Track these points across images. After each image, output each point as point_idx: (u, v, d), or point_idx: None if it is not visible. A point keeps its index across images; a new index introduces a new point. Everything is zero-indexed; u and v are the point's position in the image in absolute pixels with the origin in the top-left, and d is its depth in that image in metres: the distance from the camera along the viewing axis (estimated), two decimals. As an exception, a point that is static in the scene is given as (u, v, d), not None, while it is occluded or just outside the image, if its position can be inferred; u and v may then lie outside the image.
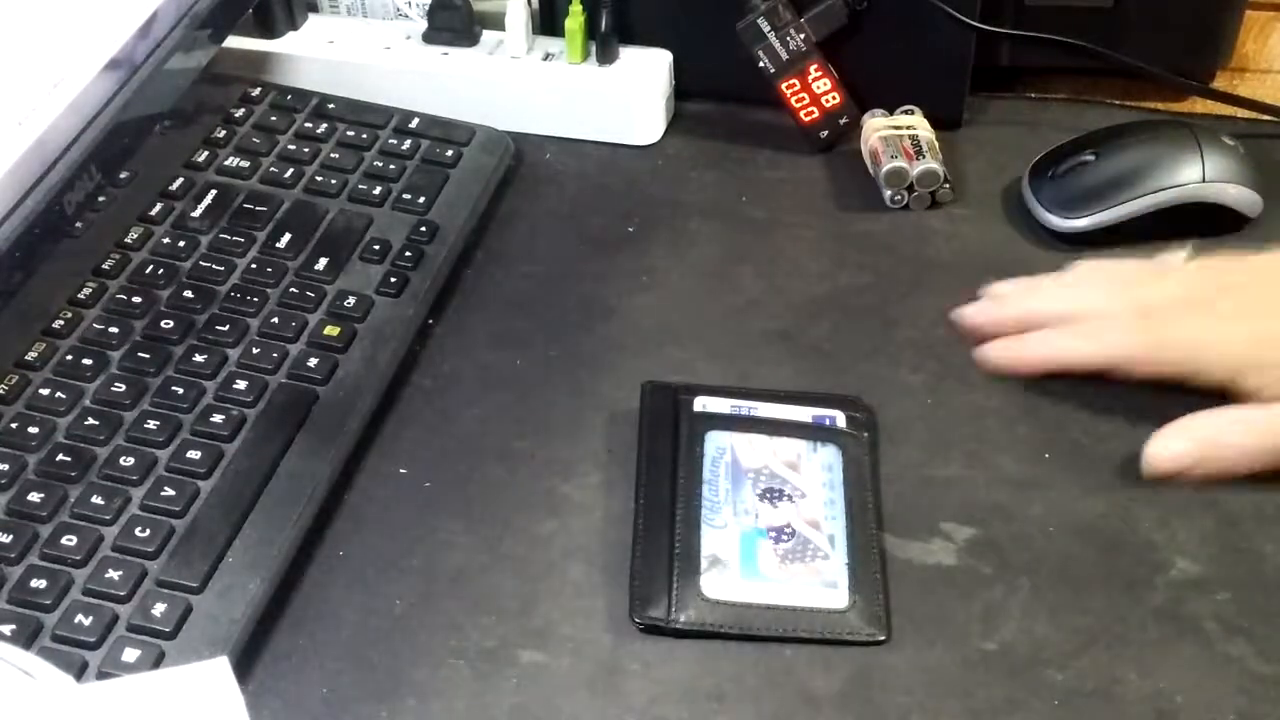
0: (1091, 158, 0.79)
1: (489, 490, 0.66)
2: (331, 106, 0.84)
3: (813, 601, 0.60)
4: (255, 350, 0.68)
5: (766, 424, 0.67)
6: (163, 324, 0.69)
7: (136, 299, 0.70)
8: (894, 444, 0.67)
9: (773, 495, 0.64)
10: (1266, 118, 0.86)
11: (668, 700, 0.57)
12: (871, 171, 0.82)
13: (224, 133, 0.81)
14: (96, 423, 0.64)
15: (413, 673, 0.58)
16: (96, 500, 0.61)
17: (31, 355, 0.67)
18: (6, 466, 0.62)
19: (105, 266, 0.72)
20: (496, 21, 0.86)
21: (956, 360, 0.72)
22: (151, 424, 0.64)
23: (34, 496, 0.61)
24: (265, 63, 0.87)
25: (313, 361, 0.68)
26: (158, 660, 0.56)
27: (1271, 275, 0.65)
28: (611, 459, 0.67)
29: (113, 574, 0.59)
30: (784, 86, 0.84)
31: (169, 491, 0.62)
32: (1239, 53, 0.90)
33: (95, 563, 0.59)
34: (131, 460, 0.63)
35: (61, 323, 0.69)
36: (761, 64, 0.83)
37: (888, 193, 0.81)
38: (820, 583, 0.61)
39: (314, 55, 0.87)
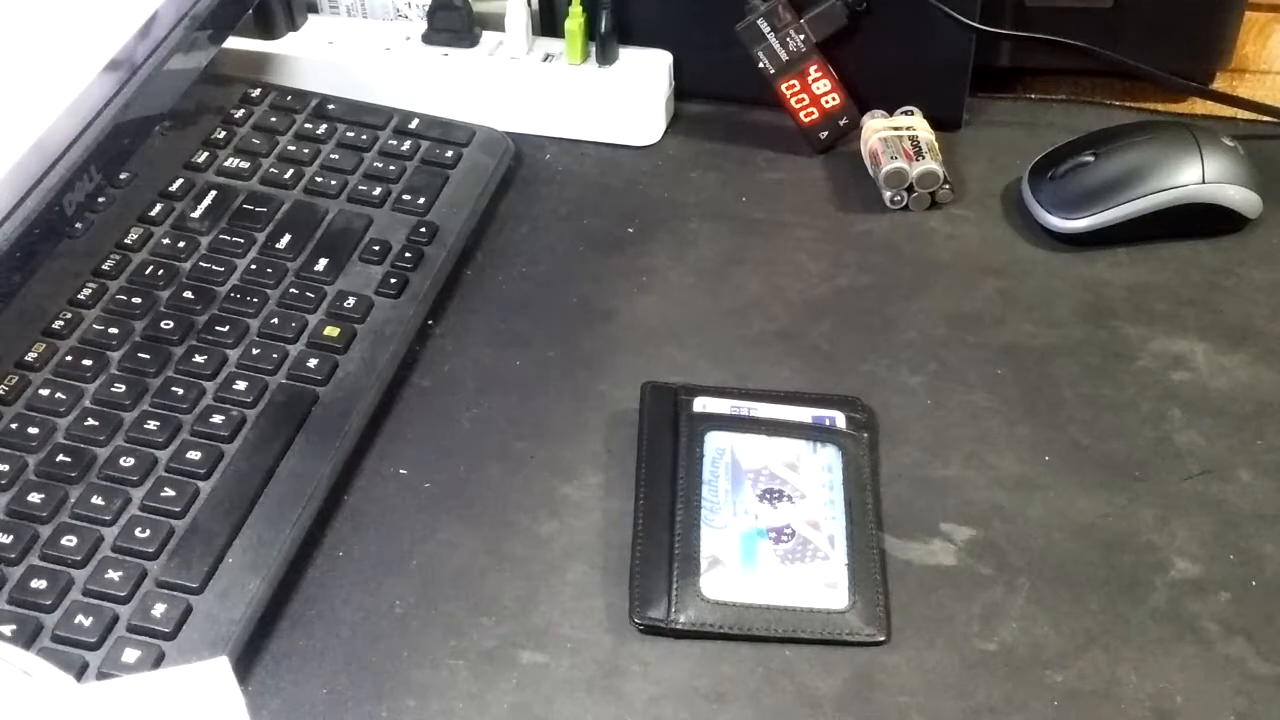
0: (1091, 158, 0.79)
1: (489, 491, 0.66)
2: (331, 107, 0.84)
3: (813, 602, 0.60)
4: (255, 351, 0.68)
5: (766, 424, 0.67)
6: (163, 325, 0.69)
7: (136, 299, 0.70)
8: (894, 444, 0.67)
9: (772, 496, 0.64)
10: (1266, 119, 0.86)
11: (668, 700, 0.57)
12: (871, 172, 0.82)
13: (224, 133, 0.81)
14: (96, 423, 0.64)
15: (413, 673, 0.58)
16: (96, 501, 0.61)
17: (31, 356, 0.67)
18: (6, 467, 0.62)
19: (105, 267, 0.72)
20: (496, 22, 0.86)
21: (956, 360, 0.72)
22: (151, 424, 0.64)
23: (34, 497, 0.61)
24: (265, 63, 0.87)
25: (312, 362, 0.68)
26: (158, 661, 0.56)
27: None
28: (611, 459, 0.67)
29: (113, 574, 0.59)
30: (784, 87, 0.84)
31: (169, 492, 0.62)
32: (1239, 54, 0.90)
33: (95, 563, 0.59)
34: (131, 461, 0.63)
35: (61, 323, 0.69)
36: (761, 65, 0.83)
37: (887, 193, 0.81)
38: (820, 583, 0.61)
39: (314, 56, 0.87)
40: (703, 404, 0.68)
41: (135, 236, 0.74)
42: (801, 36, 0.82)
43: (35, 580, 0.58)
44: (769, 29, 0.82)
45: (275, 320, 0.70)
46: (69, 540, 0.59)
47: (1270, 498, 0.65)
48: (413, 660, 0.59)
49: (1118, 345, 0.73)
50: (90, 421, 0.64)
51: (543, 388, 0.71)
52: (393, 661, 0.59)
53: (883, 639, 0.59)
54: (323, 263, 0.74)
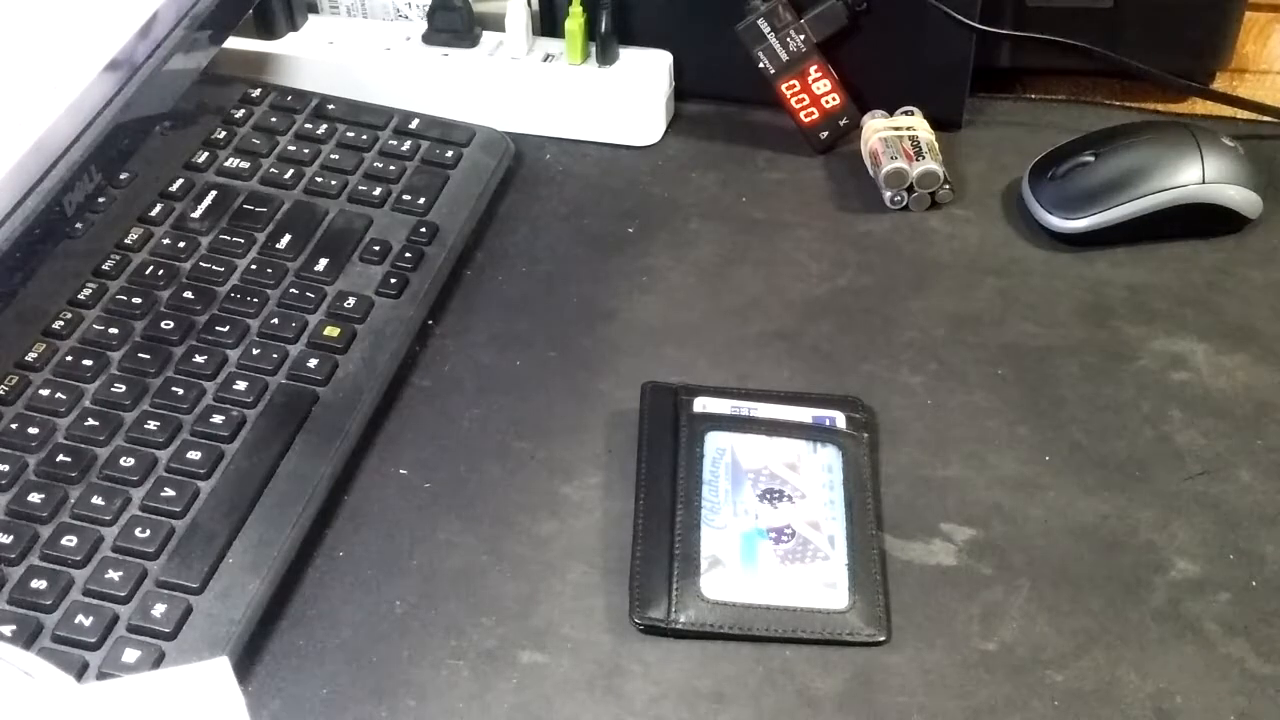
0: (1091, 158, 0.79)
1: (489, 491, 0.66)
2: (331, 107, 0.84)
3: (813, 602, 0.60)
4: (255, 351, 0.68)
5: (766, 425, 0.67)
6: (163, 325, 0.69)
7: (136, 300, 0.70)
8: (894, 444, 0.67)
9: (773, 496, 0.64)
10: (1266, 118, 0.86)
11: (668, 701, 0.57)
12: (871, 172, 0.83)
13: (224, 133, 0.81)
14: (96, 423, 0.64)
15: (413, 673, 0.58)
16: (96, 501, 0.61)
17: (31, 356, 0.67)
18: (7, 467, 0.62)
19: (105, 267, 0.72)
20: (496, 22, 0.86)
21: (956, 360, 0.72)
22: (151, 424, 0.64)
23: (34, 497, 0.61)
24: (265, 63, 0.87)
25: (313, 362, 0.68)
26: (158, 661, 0.56)
27: None
28: (611, 459, 0.67)
29: (113, 574, 0.59)
30: (784, 87, 0.84)
31: (169, 492, 0.62)
32: (1239, 54, 0.90)
33: (95, 563, 0.59)
34: (131, 461, 0.63)
35: (61, 323, 0.69)
36: (761, 65, 0.83)
37: (888, 194, 0.81)
38: (820, 583, 0.61)
39: (314, 56, 0.87)
40: (703, 404, 0.68)
41: (135, 236, 0.74)
42: (801, 36, 0.82)
43: (35, 580, 0.58)
44: (769, 29, 0.82)
45: (275, 320, 0.70)
46: (69, 540, 0.59)
47: (1270, 498, 0.65)
48: (413, 660, 0.59)
49: (1118, 345, 0.73)
50: (90, 421, 0.64)
51: (543, 388, 0.71)
52: (393, 661, 0.59)
53: (883, 639, 0.59)
54: (323, 263, 0.74)
